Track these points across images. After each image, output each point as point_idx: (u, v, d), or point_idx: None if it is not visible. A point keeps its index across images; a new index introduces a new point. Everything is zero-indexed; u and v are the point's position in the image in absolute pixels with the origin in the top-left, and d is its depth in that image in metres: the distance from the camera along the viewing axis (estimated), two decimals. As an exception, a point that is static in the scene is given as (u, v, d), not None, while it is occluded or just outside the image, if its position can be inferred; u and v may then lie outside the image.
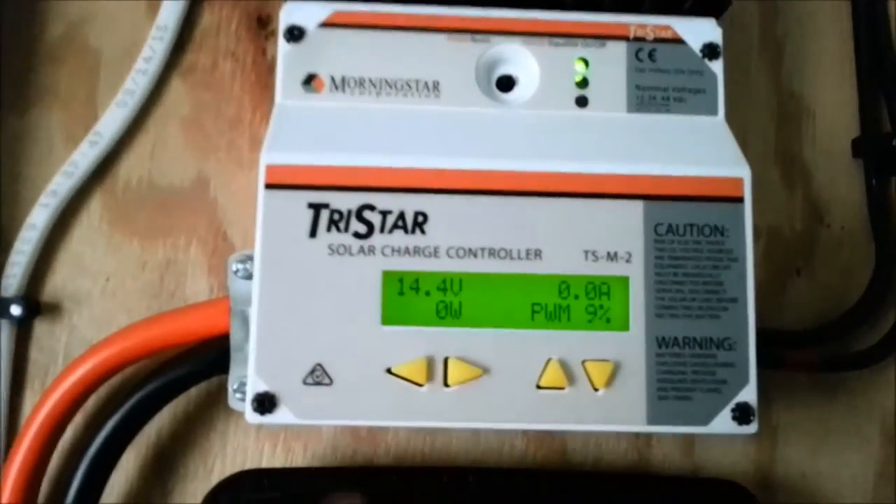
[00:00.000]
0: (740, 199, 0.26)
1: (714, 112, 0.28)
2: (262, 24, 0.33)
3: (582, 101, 0.28)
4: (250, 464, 0.30)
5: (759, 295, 0.26)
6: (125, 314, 0.31)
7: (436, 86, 0.28)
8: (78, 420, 0.29)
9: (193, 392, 0.30)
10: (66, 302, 0.31)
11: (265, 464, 0.30)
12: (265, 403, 0.25)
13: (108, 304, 0.31)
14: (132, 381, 0.29)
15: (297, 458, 0.30)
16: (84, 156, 0.31)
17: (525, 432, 0.31)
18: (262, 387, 0.25)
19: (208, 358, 0.28)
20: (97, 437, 0.28)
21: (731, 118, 0.28)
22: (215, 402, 0.30)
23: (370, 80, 0.28)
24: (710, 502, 0.29)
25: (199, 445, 0.30)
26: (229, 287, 0.27)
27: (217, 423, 0.31)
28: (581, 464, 0.31)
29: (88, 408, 0.30)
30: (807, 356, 0.30)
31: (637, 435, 0.31)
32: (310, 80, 0.28)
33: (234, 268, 0.27)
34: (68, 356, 0.30)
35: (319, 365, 0.25)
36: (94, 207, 0.31)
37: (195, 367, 0.28)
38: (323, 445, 0.30)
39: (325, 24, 0.28)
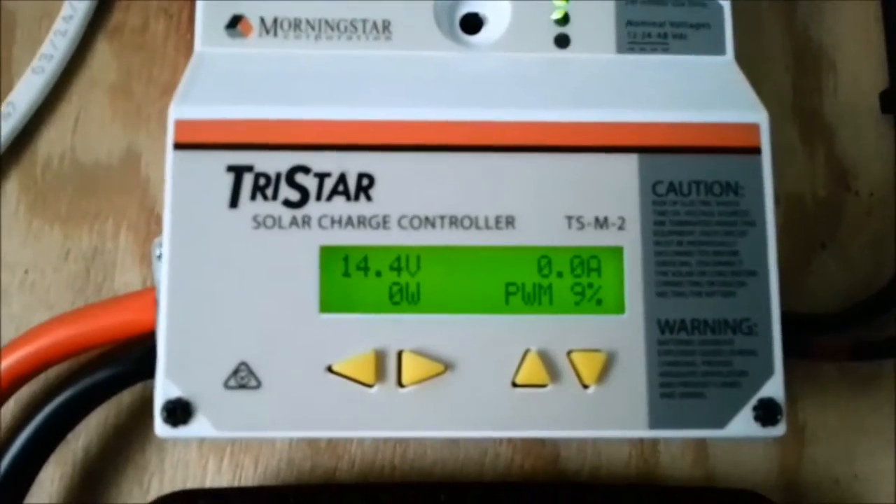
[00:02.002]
0: (757, 150, 0.24)
1: (721, 51, 0.26)
2: (201, -22, 0.30)
3: (562, 41, 0.26)
4: (192, 482, 0.28)
5: (779, 272, 0.24)
6: (46, 311, 0.28)
7: (386, 26, 0.25)
8: (-8, 434, 0.27)
9: (125, 399, 0.27)
10: (-21, 299, 0.28)
11: (209, 481, 0.28)
12: (178, 412, 0.22)
13: (26, 299, 0.28)
14: (54, 387, 0.26)
15: (248, 474, 0.28)
16: (-4, 131, 0.28)
17: (510, 439, 0.28)
18: (175, 392, 0.22)
19: (137, 358, 0.25)
20: (7, 453, 0.25)
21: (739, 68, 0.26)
22: (150, 410, 0.27)
23: (307, 22, 0.25)
24: (727, 516, 0.26)
25: (134, 461, 0.28)
26: (154, 275, 0.25)
27: (153, 434, 0.27)
28: (577, 474, 0.28)
29: (5, 420, 0.27)
30: (838, 343, 0.27)
31: (641, 439, 0.28)
32: (234, 23, 0.25)
33: (157, 252, 0.24)
34: (-18, 361, 0.28)
35: (244, 364, 0.23)
36: (10, 190, 0.29)
37: (122, 368, 0.25)
38: (277, 459, 0.28)
39: (252, -44, 0.26)
